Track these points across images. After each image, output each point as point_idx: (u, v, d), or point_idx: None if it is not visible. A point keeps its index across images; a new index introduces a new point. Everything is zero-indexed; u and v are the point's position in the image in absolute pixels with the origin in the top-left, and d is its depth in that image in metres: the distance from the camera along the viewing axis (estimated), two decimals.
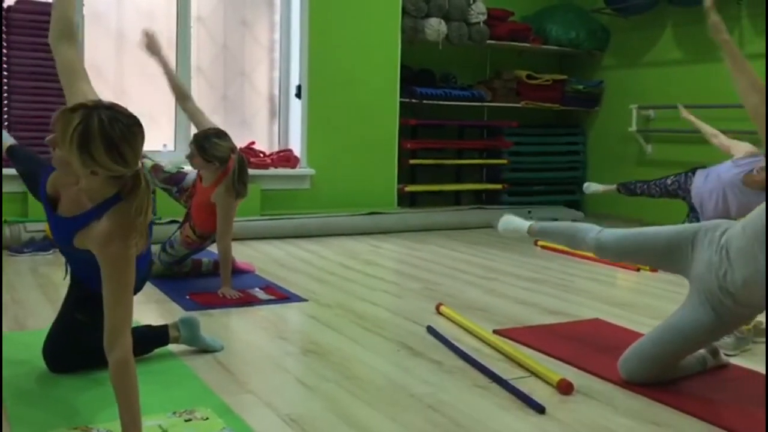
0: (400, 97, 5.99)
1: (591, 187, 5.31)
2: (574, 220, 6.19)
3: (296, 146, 5.75)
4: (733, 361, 2.64)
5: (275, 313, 3.20)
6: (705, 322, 2.25)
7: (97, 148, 1.70)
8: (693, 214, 4.44)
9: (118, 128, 1.72)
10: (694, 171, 4.68)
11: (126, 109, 1.79)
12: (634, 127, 6.41)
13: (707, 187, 4.38)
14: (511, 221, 3.00)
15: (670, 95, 6.22)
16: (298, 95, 5.71)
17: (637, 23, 6.48)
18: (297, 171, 5.64)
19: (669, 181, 4.77)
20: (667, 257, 2.40)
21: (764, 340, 2.90)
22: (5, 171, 3.64)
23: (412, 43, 6.06)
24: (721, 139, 4.55)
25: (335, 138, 5.75)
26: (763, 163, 3.96)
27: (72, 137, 1.69)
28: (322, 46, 5.64)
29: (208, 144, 3.42)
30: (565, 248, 2.84)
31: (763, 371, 2.55)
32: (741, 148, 4.36)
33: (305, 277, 3.95)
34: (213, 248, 3.71)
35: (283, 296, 3.47)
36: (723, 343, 2.70)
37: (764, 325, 2.92)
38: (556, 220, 6.21)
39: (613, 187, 5.15)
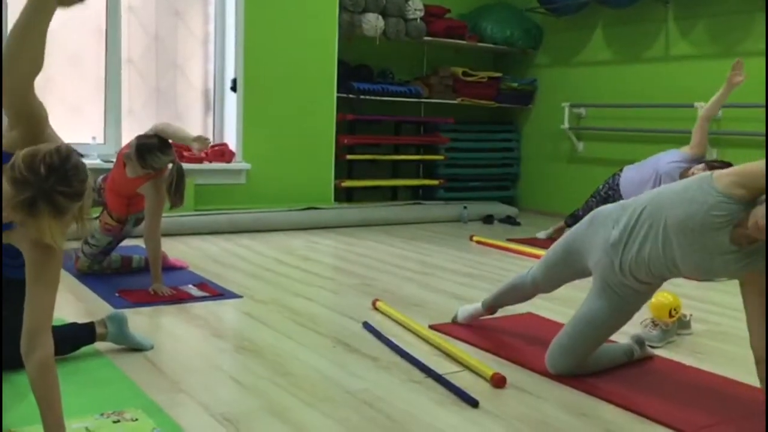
0: (338, 92, 5.96)
1: (542, 234, 5.36)
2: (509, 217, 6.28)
3: (231, 140, 5.66)
4: (658, 352, 2.73)
5: (209, 310, 3.14)
6: (610, 307, 2.33)
7: None
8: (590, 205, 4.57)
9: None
10: (621, 170, 4.82)
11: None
12: (566, 125, 6.56)
13: (641, 174, 4.52)
14: (466, 308, 3.02)
15: (601, 94, 6.39)
16: (234, 89, 5.62)
17: (569, 23, 6.63)
18: (232, 165, 5.55)
19: (600, 188, 4.90)
20: (571, 258, 2.48)
21: (689, 332, 3.01)
22: None
23: (349, 39, 6.04)
24: (706, 125, 4.42)
25: (271, 132, 5.69)
26: (700, 167, 4.09)
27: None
28: (258, 40, 5.56)
29: (150, 157, 3.33)
30: (518, 300, 2.90)
31: (687, 362, 2.64)
32: (700, 146, 4.43)
33: (240, 274, 3.89)
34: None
35: (216, 293, 3.41)
36: (649, 336, 2.79)
37: (688, 318, 3.04)
38: (491, 216, 6.32)
39: (561, 224, 5.22)
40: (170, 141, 3.39)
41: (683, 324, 3.00)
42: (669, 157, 4.44)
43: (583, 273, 2.50)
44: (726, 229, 2.03)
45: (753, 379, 2.10)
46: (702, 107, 5.43)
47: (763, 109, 5.22)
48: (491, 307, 2.93)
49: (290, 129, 5.75)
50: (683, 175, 3.98)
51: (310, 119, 5.83)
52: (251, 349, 2.63)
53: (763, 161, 1.97)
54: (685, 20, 5.76)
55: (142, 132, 3.48)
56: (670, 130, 5.75)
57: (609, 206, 2.42)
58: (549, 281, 2.64)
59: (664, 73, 5.92)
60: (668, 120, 5.83)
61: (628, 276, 2.27)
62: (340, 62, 5.98)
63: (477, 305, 2.97)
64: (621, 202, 2.39)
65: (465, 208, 6.29)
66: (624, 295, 2.32)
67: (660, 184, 4.25)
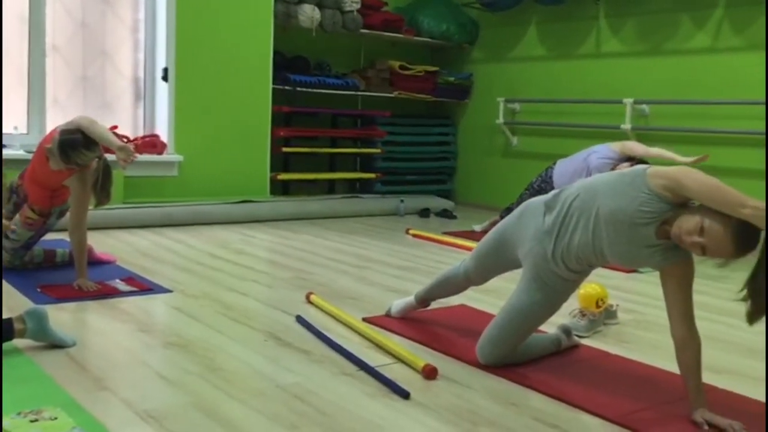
0: (273, 83, 5.88)
1: (478, 228, 5.40)
2: (446, 210, 6.32)
3: (163, 131, 5.52)
4: (586, 342, 2.79)
5: (136, 306, 3.06)
6: (539, 297, 2.37)
7: None
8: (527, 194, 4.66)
9: None
10: (554, 163, 4.92)
11: None
12: (501, 120, 6.64)
13: (573, 167, 4.62)
14: (400, 302, 3.01)
15: (534, 89, 6.50)
16: (165, 78, 5.48)
17: (504, 19, 6.71)
18: (164, 157, 5.41)
19: (534, 181, 4.98)
20: (503, 248, 2.51)
21: (615, 321, 3.09)
22: None
23: (285, 29, 5.96)
24: (648, 150, 4.53)
25: (205, 124, 5.57)
26: (625, 165, 4.19)
27: None
28: (190, 28, 5.43)
29: (74, 154, 3.19)
30: (451, 293, 2.91)
31: (613, 351, 2.71)
32: (632, 147, 4.54)
33: (171, 268, 3.80)
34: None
35: (145, 287, 3.32)
36: (576, 325, 2.85)
37: (614, 308, 3.11)
38: (427, 209, 6.35)
39: (497, 218, 5.26)
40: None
41: (610, 314, 3.07)
42: (600, 153, 4.55)
43: (514, 264, 2.52)
44: (652, 225, 2.08)
45: (675, 367, 2.16)
46: (631, 104, 5.58)
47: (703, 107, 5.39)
48: (424, 300, 2.94)
49: (224, 120, 5.65)
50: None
51: (244, 111, 5.74)
52: (180, 345, 2.57)
53: (706, 181, 1.98)
54: (616, 18, 5.91)
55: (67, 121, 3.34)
56: (600, 125, 5.89)
57: (540, 197, 2.45)
58: (480, 273, 2.66)
59: (595, 69, 6.06)
60: (599, 115, 5.97)
61: (559, 264, 2.31)
62: (275, 53, 5.90)
63: (410, 299, 2.98)
64: (553, 191, 2.43)
65: (402, 201, 6.31)
66: (553, 284, 2.36)
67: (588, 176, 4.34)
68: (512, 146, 6.71)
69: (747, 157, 5.06)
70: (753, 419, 2.07)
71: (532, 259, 2.38)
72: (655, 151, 4.48)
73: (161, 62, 5.52)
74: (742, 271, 2.03)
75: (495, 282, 2.83)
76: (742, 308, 2.01)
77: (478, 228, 5.39)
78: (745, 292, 1.97)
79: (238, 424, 1.94)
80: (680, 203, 2.06)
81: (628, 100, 5.64)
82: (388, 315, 3.01)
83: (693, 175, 2.02)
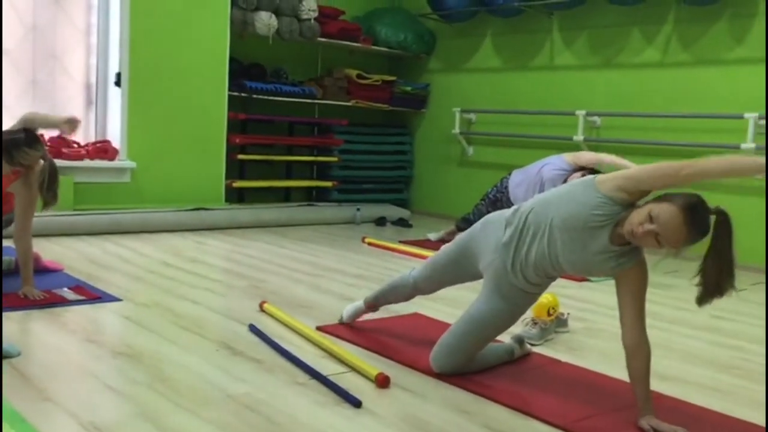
0: (229, 90, 5.84)
1: (433, 236, 5.43)
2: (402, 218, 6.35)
3: (115, 137, 5.43)
4: (537, 350, 2.82)
5: (84, 315, 2.99)
6: (499, 308, 2.39)
7: None
8: (481, 208, 4.72)
9: None
10: (510, 173, 4.98)
11: None
12: (457, 130, 6.70)
13: (528, 178, 4.68)
14: (349, 307, 3.01)
15: (490, 100, 6.58)
16: (118, 83, 5.39)
17: (461, 30, 6.78)
18: (116, 163, 5.32)
19: (489, 191, 5.03)
20: (464, 260, 2.52)
21: (566, 330, 3.13)
22: None
23: (241, 36, 5.93)
24: (600, 157, 4.63)
25: (159, 130, 5.49)
26: (577, 175, 4.26)
27: None
28: (144, 33, 5.36)
29: (17, 153, 3.11)
30: (399, 300, 2.91)
31: (563, 358, 2.75)
32: (584, 157, 4.62)
33: (121, 276, 3.73)
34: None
35: (94, 296, 3.25)
36: (528, 334, 2.88)
37: (566, 317, 3.16)
38: (383, 218, 6.37)
39: (453, 227, 5.29)
40: (41, 134, 3.19)
41: (561, 322, 3.11)
42: (553, 165, 4.62)
43: (472, 276, 2.54)
44: (606, 229, 2.12)
45: (624, 374, 2.20)
46: (584, 115, 5.69)
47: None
48: (372, 305, 2.94)
49: (179, 127, 5.58)
50: (565, 182, 4.17)
51: (200, 117, 5.68)
52: (128, 354, 2.52)
53: (648, 166, 2.07)
54: (569, 32, 6.02)
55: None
56: (554, 136, 5.98)
57: (501, 212, 2.48)
58: (432, 283, 2.68)
59: (548, 81, 6.16)
60: (552, 126, 6.07)
61: (518, 276, 2.34)
62: (232, 60, 5.86)
63: (359, 303, 2.98)
64: (513, 208, 2.46)
65: (358, 209, 6.31)
66: (513, 296, 2.38)
67: (543, 189, 4.41)
68: (468, 156, 6.77)
69: None
70: (697, 424, 2.12)
71: (492, 271, 2.40)
72: (608, 158, 4.57)
73: (114, 67, 5.43)
74: (688, 279, 2.08)
75: (450, 290, 2.84)
76: (688, 316, 2.06)
77: (433, 237, 5.42)
78: (698, 277, 2.03)
79: None
80: (630, 203, 2.11)
81: (581, 112, 5.75)
82: (340, 322, 3.01)
83: (637, 167, 2.15)
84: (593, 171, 4.15)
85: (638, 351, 2.11)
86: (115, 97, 5.43)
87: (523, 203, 2.40)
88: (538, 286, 2.40)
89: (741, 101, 4.98)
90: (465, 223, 4.99)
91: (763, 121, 4.86)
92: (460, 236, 2.60)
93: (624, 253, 2.15)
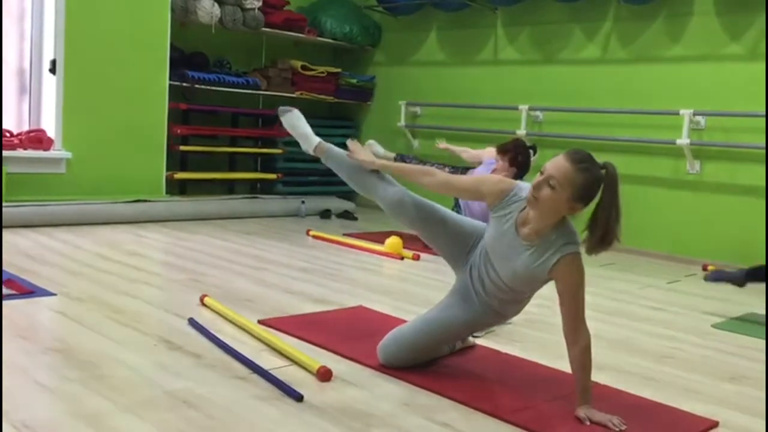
0: (170, 79, 5.71)
1: (378, 149, 5.50)
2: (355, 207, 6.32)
3: (50, 126, 5.25)
4: (480, 341, 2.85)
5: (16, 310, 2.88)
6: (469, 318, 2.41)
7: None
8: (457, 208, 4.75)
9: None
10: (465, 171, 5.01)
11: None
12: (402, 123, 6.71)
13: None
14: (302, 126, 2.70)
15: (435, 93, 6.61)
16: (53, 70, 5.20)
17: (407, 23, 6.79)
18: (50, 154, 5.14)
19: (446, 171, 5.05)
20: (449, 245, 2.50)
21: (508, 321, 3.16)
22: None
23: (183, 24, 5.80)
24: (470, 153, 4.98)
25: (96, 119, 5.33)
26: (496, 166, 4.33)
27: None
28: (80, 18, 5.18)
29: None
30: (351, 182, 2.64)
31: (505, 350, 2.78)
32: (487, 153, 4.72)
33: (55, 270, 3.61)
34: None
35: (26, 290, 3.14)
36: None
37: None
38: (328, 210, 6.34)
39: (392, 155, 5.37)
40: None
41: None
42: (480, 169, 4.69)
43: (445, 253, 2.51)
44: (511, 230, 2.22)
45: (562, 364, 2.24)
46: (527, 110, 5.78)
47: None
48: (323, 155, 2.69)
49: (117, 116, 5.43)
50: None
51: (139, 106, 5.54)
52: (62, 351, 2.44)
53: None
54: (512, 27, 6.09)
55: None
56: (498, 130, 6.04)
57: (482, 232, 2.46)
58: (414, 220, 2.48)
59: (492, 76, 6.22)
60: (496, 120, 6.13)
61: (492, 298, 2.37)
62: (172, 48, 5.73)
63: (313, 138, 2.70)
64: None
65: (303, 202, 6.26)
66: (483, 310, 2.40)
67: None
68: (413, 149, 6.79)
69: (632, 164, 5.33)
70: (631, 412, 2.17)
71: (465, 282, 2.43)
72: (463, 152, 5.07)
73: (49, 53, 5.24)
74: (624, 272, 2.12)
75: (394, 284, 2.85)
76: (624, 307, 2.10)
77: (381, 150, 5.53)
78: (587, 230, 2.12)
79: None
80: (505, 193, 2.27)
81: (524, 107, 5.83)
82: (280, 114, 2.71)
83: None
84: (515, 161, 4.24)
85: (576, 342, 2.15)
86: (50, 84, 5.24)
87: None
88: (508, 306, 2.41)
89: (677, 98, 5.12)
90: (402, 160, 5.25)
91: (699, 117, 5.01)
92: (464, 226, 2.48)
93: (544, 249, 2.16)
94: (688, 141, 4.98)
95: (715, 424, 2.16)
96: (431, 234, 2.52)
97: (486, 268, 2.33)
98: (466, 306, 2.40)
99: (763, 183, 4.79)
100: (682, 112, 5.00)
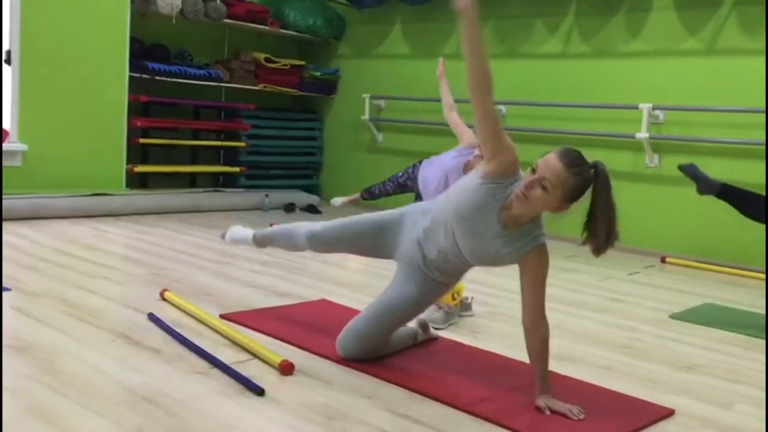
0: (130, 71, 5.61)
1: (338, 201, 5.37)
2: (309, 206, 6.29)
3: (5, 118, 5.11)
4: (442, 333, 2.86)
5: None
6: (411, 296, 2.41)
7: None
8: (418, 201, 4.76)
9: None
10: (420, 162, 5.01)
11: None
12: (366, 116, 6.70)
13: (431, 172, 4.70)
14: (238, 232, 2.98)
15: (400, 87, 6.60)
16: (8, 61, 5.08)
17: (371, 16, 6.77)
18: (6, 146, 5.02)
19: (400, 174, 5.04)
20: (373, 239, 2.51)
21: (470, 313, 3.19)
22: None
23: (143, 15, 5.70)
24: (455, 116, 4.69)
25: (53, 111, 5.22)
26: (478, 153, 4.31)
27: None
28: (37, 8, 5.07)
29: None
30: (287, 248, 2.87)
31: (466, 342, 2.80)
32: (467, 136, 4.66)
33: (11, 265, 3.52)
34: None
35: None
36: (433, 318, 2.92)
37: (469, 300, 3.22)
38: (292, 204, 6.31)
39: (357, 195, 5.27)
40: None
41: (465, 306, 3.17)
42: (451, 153, 4.67)
43: (381, 255, 2.53)
44: (494, 212, 2.17)
45: (523, 355, 2.26)
46: (502, 109, 5.78)
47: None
48: (261, 242, 2.92)
49: (75, 108, 5.32)
50: (467, 166, 4.20)
51: (98, 98, 5.43)
52: (16, 347, 2.39)
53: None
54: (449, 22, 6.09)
55: None
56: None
57: (418, 205, 2.49)
58: (333, 245, 2.62)
59: (456, 70, 6.19)
60: (460, 115, 6.12)
61: (432, 270, 2.37)
62: (132, 40, 5.63)
63: (248, 236, 2.95)
64: (427, 204, 2.47)
65: (267, 196, 6.22)
66: (428, 286, 2.40)
67: (448, 180, 4.45)
68: (377, 143, 6.79)
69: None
70: (590, 402, 2.20)
71: (407, 261, 2.42)
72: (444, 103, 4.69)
73: (4, 44, 5.10)
74: (585, 264, 2.15)
75: (358, 277, 2.84)
76: (584, 298, 2.13)
77: (337, 203, 5.41)
78: (585, 234, 2.14)
79: (78, 430, 1.83)
80: (504, 174, 2.17)
81: None
82: (222, 238, 3.03)
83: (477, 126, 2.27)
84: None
85: (537, 332, 2.18)
86: (5, 75, 5.11)
87: (434, 201, 2.42)
88: (451, 277, 2.43)
89: (636, 92, 5.20)
90: (369, 194, 5.04)
91: (657, 112, 5.10)
92: (377, 215, 2.54)
93: (518, 237, 2.19)
94: (647, 135, 5.06)
95: (671, 412, 2.20)
96: (359, 244, 2.57)
97: (442, 237, 2.29)
98: (409, 284, 2.40)
99: (720, 177, 4.89)
100: (641, 106, 5.08)
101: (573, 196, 2.12)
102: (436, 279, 2.40)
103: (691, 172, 3.55)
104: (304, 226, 2.71)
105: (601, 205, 2.11)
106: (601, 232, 2.11)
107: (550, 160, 2.10)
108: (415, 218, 2.44)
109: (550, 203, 2.12)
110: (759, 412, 2.26)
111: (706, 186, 3.50)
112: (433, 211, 2.38)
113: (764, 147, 4.66)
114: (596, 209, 2.12)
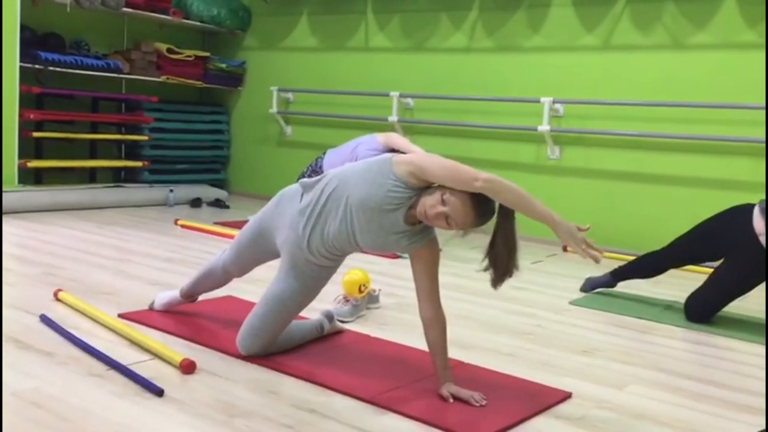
0: (21, 61, 5.32)
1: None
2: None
3: None
4: (350, 326, 2.86)
5: None
6: (297, 285, 2.39)
7: None
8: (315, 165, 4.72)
9: None
10: (325, 153, 4.98)
11: None
12: (274, 109, 6.61)
13: (341, 158, 4.69)
14: (164, 295, 2.89)
15: (307, 80, 6.55)
16: None
17: (277, 8, 6.68)
18: None
19: (305, 171, 4.98)
20: (262, 238, 2.47)
21: (377, 306, 3.20)
22: None
23: (35, 3, 5.42)
24: (411, 147, 4.64)
25: None
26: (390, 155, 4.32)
27: None
28: None
29: None
30: (214, 287, 2.82)
31: (374, 334, 2.80)
32: (397, 139, 4.65)
33: None
34: None
35: None
36: (340, 311, 2.91)
37: (377, 293, 3.23)
38: (199, 199, 6.16)
39: None
40: None
41: (372, 298, 3.18)
42: (366, 144, 4.68)
43: (274, 254, 2.51)
44: (401, 210, 2.18)
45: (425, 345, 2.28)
46: (398, 97, 5.83)
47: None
48: (189, 294, 2.83)
49: None
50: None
51: None
52: None
53: (445, 162, 2.11)
54: (382, 14, 6.13)
55: None
56: (370, 117, 6.08)
57: (296, 185, 2.45)
58: (239, 264, 2.61)
59: (364, 62, 6.24)
60: (368, 107, 6.16)
61: (314, 252, 2.32)
62: (23, 28, 5.34)
63: (175, 293, 2.86)
64: (316, 177, 2.42)
65: (171, 191, 6.05)
66: (310, 272, 2.38)
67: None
68: (286, 136, 6.71)
69: (496, 150, 5.53)
70: (492, 388, 2.25)
71: (288, 248, 2.37)
72: (417, 149, 4.68)
73: None
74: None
75: (263, 271, 2.80)
76: (488, 288, 2.17)
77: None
78: (486, 261, 2.14)
79: None
80: (424, 187, 2.18)
81: (395, 94, 5.89)
82: (151, 308, 2.87)
83: (432, 159, 2.17)
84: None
85: (434, 322, 2.21)
86: None
87: (326, 175, 2.35)
88: (334, 260, 2.40)
89: (538, 86, 5.35)
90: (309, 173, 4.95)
91: (558, 105, 5.26)
92: (257, 214, 2.54)
93: (417, 232, 2.22)
94: (548, 128, 5.22)
95: (569, 395, 2.28)
96: (254, 252, 2.54)
97: (338, 218, 2.25)
98: (291, 274, 2.38)
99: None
100: (542, 99, 5.23)
101: (473, 228, 2.17)
102: (317, 263, 2.36)
103: (590, 286, 3.78)
104: (219, 258, 2.67)
105: (503, 237, 2.11)
106: (501, 263, 2.13)
107: (461, 205, 2.08)
108: (293, 196, 2.39)
109: (450, 229, 2.16)
110: (650, 392, 2.37)
111: (606, 284, 3.74)
112: (323, 187, 2.29)
113: (656, 139, 4.90)
114: (497, 239, 2.12)
